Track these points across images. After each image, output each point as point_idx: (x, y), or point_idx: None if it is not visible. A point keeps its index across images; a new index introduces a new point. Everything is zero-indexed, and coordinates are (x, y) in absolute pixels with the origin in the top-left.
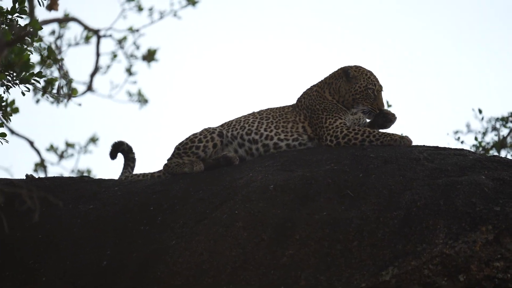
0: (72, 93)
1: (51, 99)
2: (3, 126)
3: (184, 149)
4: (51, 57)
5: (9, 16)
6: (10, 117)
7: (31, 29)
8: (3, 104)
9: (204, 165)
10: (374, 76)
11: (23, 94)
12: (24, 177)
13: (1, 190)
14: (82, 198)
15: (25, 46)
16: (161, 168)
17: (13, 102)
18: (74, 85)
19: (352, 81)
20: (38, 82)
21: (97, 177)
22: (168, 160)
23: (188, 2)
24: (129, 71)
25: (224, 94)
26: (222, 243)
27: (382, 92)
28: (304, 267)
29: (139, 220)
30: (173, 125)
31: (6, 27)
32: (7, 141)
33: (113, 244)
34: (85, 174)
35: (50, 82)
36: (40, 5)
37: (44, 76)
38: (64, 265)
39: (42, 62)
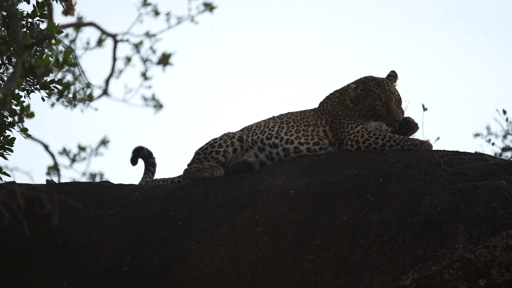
0: (88, 98)
1: (66, 103)
2: (24, 131)
3: (204, 154)
4: (68, 61)
5: (30, 20)
6: (23, 122)
7: (49, 33)
8: (17, 108)
9: (224, 170)
10: (382, 88)
11: (43, 99)
12: (45, 182)
13: (22, 194)
14: (103, 203)
15: (45, 49)
16: (180, 173)
17: (28, 106)
18: (90, 89)
19: (362, 98)
20: (57, 88)
21: (113, 181)
22: (188, 165)
23: (205, 7)
24: (144, 76)
25: (241, 99)
26: (243, 248)
27: (393, 100)
28: (325, 271)
29: (160, 225)
30: (188, 130)
31: (27, 31)
32: (25, 137)
33: (134, 249)
34: (97, 177)
35: (67, 86)
36: (63, 7)
37: (63, 82)
38: (85, 270)
39: (59, 66)
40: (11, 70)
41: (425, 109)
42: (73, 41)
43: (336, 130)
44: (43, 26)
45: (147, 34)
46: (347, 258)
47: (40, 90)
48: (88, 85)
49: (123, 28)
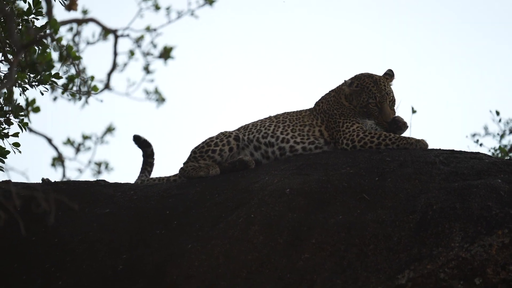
0: (92, 89)
1: (70, 96)
2: (24, 127)
3: (200, 153)
4: (72, 54)
5: (25, 17)
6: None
7: (47, 31)
8: (17, 103)
9: (220, 169)
10: (377, 87)
11: (42, 94)
12: (40, 181)
13: (18, 193)
14: (98, 202)
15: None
16: (176, 171)
17: (33, 101)
18: (93, 82)
19: (356, 94)
20: (56, 83)
21: (115, 172)
22: (184, 163)
23: (205, 1)
24: (146, 69)
25: (241, 95)
26: (238, 247)
27: (387, 101)
28: (320, 270)
29: (155, 224)
30: (189, 125)
31: (23, 29)
32: (19, 151)
33: (129, 247)
34: (103, 167)
35: (71, 80)
36: (62, 4)
37: (62, 78)
38: (80, 269)
39: (62, 60)
40: (5, 67)
41: (414, 112)
42: (76, 34)
43: (332, 130)
44: (38, 23)
45: (148, 29)
46: (343, 257)
47: (39, 85)
48: (92, 77)
49: (124, 23)
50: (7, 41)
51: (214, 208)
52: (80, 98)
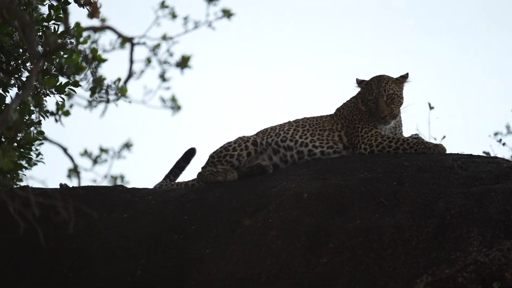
0: (121, 91)
1: (98, 99)
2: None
3: (218, 158)
4: (97, 57)
5: (45, 24)
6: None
7: (66, 40)
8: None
9: (238, 174)
10: (375, 83)
11: (57, 104)
12: (58, 186)
13: (37, 202)
14: (116, 207)
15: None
16: (194, 176)
17: (63, 105)
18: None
19: (364, 93)
20: (74, 91)
21: (131, 184)
22: (202, 168)
23: (224, 14)
24: (162, 77)
25: (258, 104)
26: (257, 252)
27: (384, 97)
28: (338, 275)
29: (173, 229)
30: (205, 134)
31: (43, 36)
32: (43, 162)
33: (147, 253)
34: (118, 180)
35: (99, 82)
36: (87, 10)
37: (80, 86)
38: (98, 274)
39: (89, 62)
40: (26, 74)
41: (431, 108)
42: (95, 42)
43: (351, 135)
44: (59, 29)
45: (164, 37)
46: (361, 261)
47: (56, 94)
48: (119, 79)
49: (141, 30)
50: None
51: (232, 213)
52: (108, 101)
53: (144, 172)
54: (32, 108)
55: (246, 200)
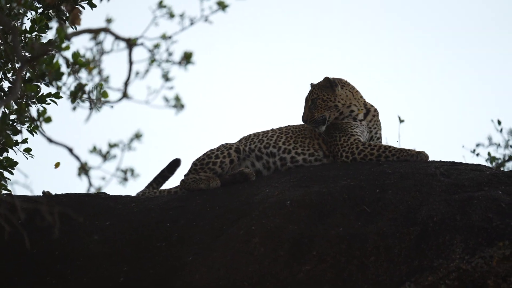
0: (102, 96)
1: (83, 104)
2: (33, 131)
3: (201, 165)
4: (78, 62)
5: (28, 35)
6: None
7: (50, 48)
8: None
9: (221, 181)
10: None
11: (38, 111)
12: (41, 194)
13: (22, 207)
14: (99, 214)
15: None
16: (177, 184)
17: (44, 111)
18: (108, 91)
19: None
20: (55, 102)
21: (140, 177)
22: (185, 175)
23: (218, 6)
24: (165, 77)
25: (258, 100)
26: (239, 259)
27: (308, 103)
28: (321, 282)
29: (156, 236)
30: (206, 131)
31: (26, 45)
32: (32, 156)
33: (130, 260)
34: (128, 172)
35: (80, 88)
36: (65, 22)
37: (62, 97)
38: (81, 281)
39: (70, 68)
40: (7, 84)
41: (401, 121)
42: (99, 43)
43: (329, 143)
44: (43, 40)
45: (164, 37)
46: (344, 268)
47: (38, 104)
48: (101, 85)
49: (138, 31)
50: (15, 55)
51: (215, 221)
52: (97, 106)
53: (154, 166)
54: (12, 117)
55: (229, 208)
